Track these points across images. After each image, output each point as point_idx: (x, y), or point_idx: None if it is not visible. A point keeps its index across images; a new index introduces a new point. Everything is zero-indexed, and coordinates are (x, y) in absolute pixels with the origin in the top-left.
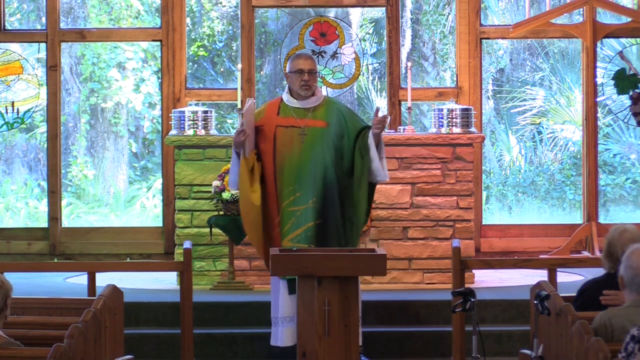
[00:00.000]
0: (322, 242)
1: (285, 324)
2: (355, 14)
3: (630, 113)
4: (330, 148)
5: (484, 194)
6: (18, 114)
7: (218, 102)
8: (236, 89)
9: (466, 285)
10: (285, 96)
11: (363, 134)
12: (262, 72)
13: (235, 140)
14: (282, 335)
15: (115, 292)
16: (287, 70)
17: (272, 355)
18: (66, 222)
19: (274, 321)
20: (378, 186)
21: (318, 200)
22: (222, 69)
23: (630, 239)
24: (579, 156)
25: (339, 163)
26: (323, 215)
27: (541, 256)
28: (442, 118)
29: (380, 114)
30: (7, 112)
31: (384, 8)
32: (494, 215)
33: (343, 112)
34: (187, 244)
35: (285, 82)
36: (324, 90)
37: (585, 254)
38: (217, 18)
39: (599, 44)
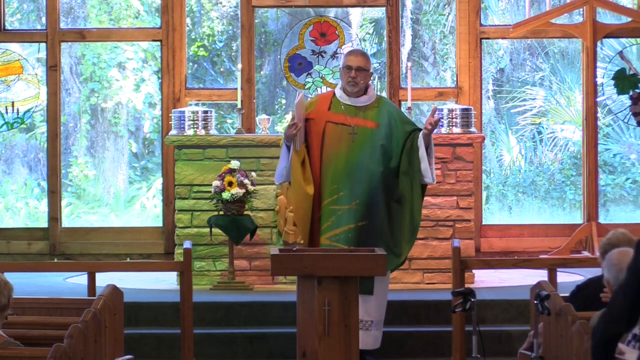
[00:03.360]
0: (365, 244)
1: None
2: (355, 14)
3: (630, 113)
4: (378, 150)
5: (484, 194)
6: (18, 114)
7: (218, 102)
8: (236, 89)
9: (466, 285)
10: (338, 91)
11: (412, 136)
12: (262, 72)
13: (286, 133)
14: None
15: (115, 292)
16: (340, 66)
17: (272, 356)
18: (66, 222)
19: None
20: None
21: (362, 202)
22: (222, 69)
23: (625, 240)
24: (579, 156)
25: (386, 165)
26: (368, 217)
27: (541, 256)
28: (442, 118)
29: (435, 116)
30: (7, 112)
31: (384, 8)
32: (494, 215)
33: (393, 114)
34: (187, 244)
35: (286, 82)
36: (324, 90)
37: (585, 254)
38: (217, 18)
39: (599, 44)
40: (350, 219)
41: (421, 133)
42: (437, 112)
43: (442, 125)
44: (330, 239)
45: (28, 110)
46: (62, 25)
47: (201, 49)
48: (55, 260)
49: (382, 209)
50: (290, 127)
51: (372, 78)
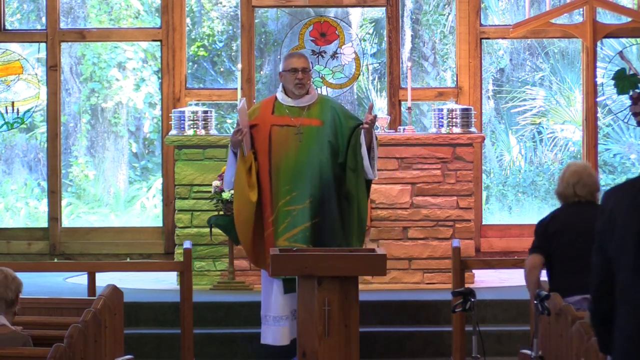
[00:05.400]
0: (320, 241)
1: (280, 322)
2: (355, 14)
3: (630, 113)
4: (326, 147)
5: (484, 194)
6: (18, 114)
7: (218, 102)
8: (236, 89)
9: (466, 285)
10: (280, 95)
11: (357, 131)
12: (262, 72)
13: (232, 139)
14: (276, 334)
15: (115, 292)
16: (280, 69)
17: (272, 355)
18: (66, 222)
19: (264, 320)
20: (378, 186)
21: (315, 200)
22: (222, 69)
23: (575, 171)
24: (579, 156)
25: (334, 161)
26: (320, 214)
27: None
28: (442, 118)
29: (371, 112)
30: (7, 112)
31: (384, 8)
32: (494, 215)
33: (337, 110)
34: (187, 244)
35: None
36: (324, 90)
37: None
38: (217, 18)
39: (599, 44)
40: (305, 217)
41: (362, 130)
42: (373, 108)
43: (443, 125)
44: (289, 240)
45: (28, 110)
46: (62, 25)
47: (201, 49)
48: (55, 260)
49: (334, 205)
50: (235, 133)
51: (313, 77)
